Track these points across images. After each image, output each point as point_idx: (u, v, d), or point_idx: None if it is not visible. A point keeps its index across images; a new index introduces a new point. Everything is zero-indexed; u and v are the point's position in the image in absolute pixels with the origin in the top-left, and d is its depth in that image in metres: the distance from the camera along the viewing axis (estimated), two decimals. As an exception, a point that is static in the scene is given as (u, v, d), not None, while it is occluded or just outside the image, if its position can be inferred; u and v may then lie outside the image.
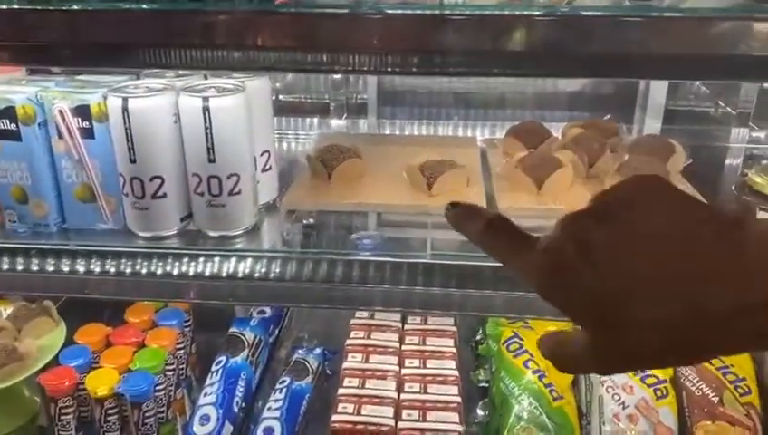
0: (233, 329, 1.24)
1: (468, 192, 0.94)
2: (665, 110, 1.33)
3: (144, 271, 0.84)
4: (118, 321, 1.18)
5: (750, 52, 0.66)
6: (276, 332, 1.32)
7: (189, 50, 0.71)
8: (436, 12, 0.69)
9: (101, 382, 1.02)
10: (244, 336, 1.22)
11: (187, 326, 1.21)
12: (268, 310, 1.30)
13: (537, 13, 0.67)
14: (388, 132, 1.37)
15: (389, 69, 0.80)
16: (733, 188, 0.88)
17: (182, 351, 1.18)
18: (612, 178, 0.92)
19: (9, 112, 0.79)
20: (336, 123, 1.40)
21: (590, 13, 0.67)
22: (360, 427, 0.98)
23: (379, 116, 1.41)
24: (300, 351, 1.24)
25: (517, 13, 0.67)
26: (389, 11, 0.69)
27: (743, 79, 1.06)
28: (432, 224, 0.91)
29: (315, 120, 1.41)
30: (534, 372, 1.06)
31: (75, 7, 0.70)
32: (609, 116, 1.15)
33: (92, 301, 0.93)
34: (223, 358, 1.17)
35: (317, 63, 0.73)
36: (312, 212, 0.94)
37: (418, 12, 0.69)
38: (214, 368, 1.16)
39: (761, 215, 0.83)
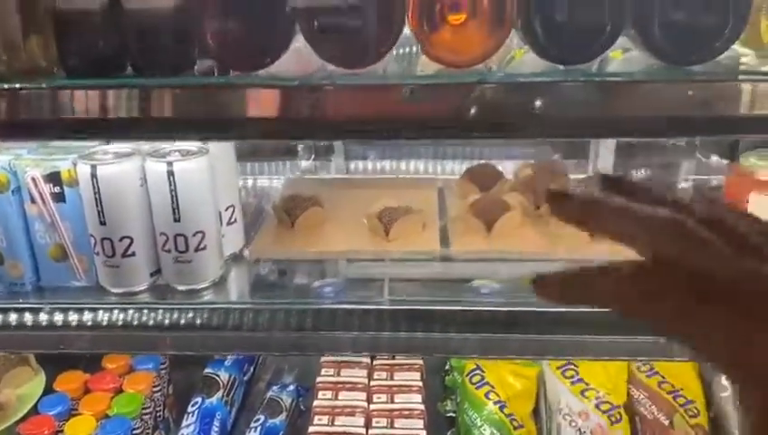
0: (208, 370, 1.28)
1: (424, 237, 1.00)
2: (617, 142, 1.41)
3: (119, 324, 0.89)
4: (96, 367, 1.22)
5: (674, 112, 0.73)
6: (251, 370, 1.36)
7: (156, 122, 0.77)
8: (383, 82, 0.76)
9: (79, 430, 1.06)
10: (218, 377, 1.26)
11: (163, 369, 1.25)
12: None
13: (474, 80, 0.74)
14: (355, 171, 1.42)
15: (343, 135, 0.86)
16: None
17: (159, 393, 1.22)
18: (557, 220, 0.98)
19: None
20: (304, 164, 1.46)
21: (529, 79, 0.74)
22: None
23: (346, 157, 1.46)
24: (274, 388, 1.28)
25: (458, 82, 0.74)
26: (341, 82, 0.75)
27: (671, 136, 1.13)
28: (390, 269, 0.97)
29: (286, 162, 1.46)
30: (495, 403, 1.11)
31: (43, 85, 0.76)
32: (557, 156, 1.22)
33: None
34: (198, 399, 1.21)
35: (275, 133, 0.80)
36: (278, 261, 1.00)
37: (368, 83, 0.75)
38: (190, 409, 1.20)
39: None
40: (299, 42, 0.78)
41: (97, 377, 1.18)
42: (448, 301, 0.90)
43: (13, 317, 0.90)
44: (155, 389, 1.20)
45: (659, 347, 0.94)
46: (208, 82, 0.76)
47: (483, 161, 1.21)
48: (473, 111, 0.74)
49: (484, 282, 0.92)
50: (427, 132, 0.82)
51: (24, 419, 1.10)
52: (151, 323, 0.90)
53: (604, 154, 1.38)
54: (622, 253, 0.37)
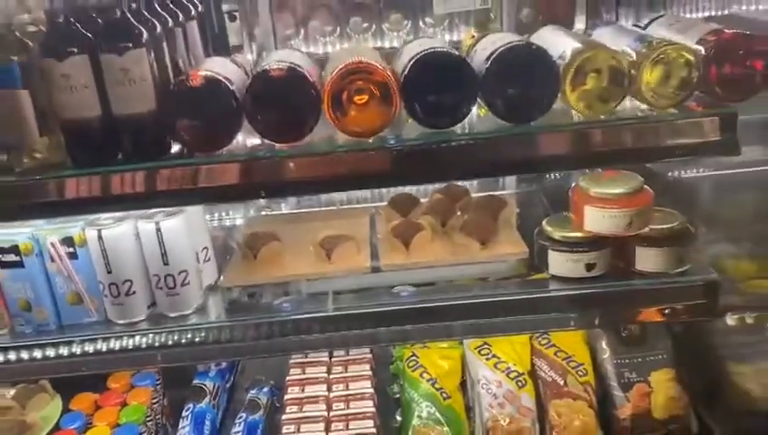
0: (196, 381, 1.55)
1: (358, 258, 1.29)
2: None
3: (126, 348, 1.16)
4: (102, 388, 1.47)
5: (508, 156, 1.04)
6: (232, 379, 1.63)
7: (145, 195, 1.04)
8: (312, 150, 1.04)
9: (96, 437, 1.32)
10: (205, 386, 1.53)
11: (158, 384, 1.51)
12: (224, 362, 1.62)
13: (379, 145, 1.04)
14: (309, 203, 1.69)
15: (284, 193, 1.16)
16: (535, 232, 1.26)
17: (157, 404, 1.48)
18: (458, 234, 1.29)
19: (14, 249, 1.11)
20: (262, 203, 1.73)
21: (416, 142, 1.03)
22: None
23: (297, 193, 1.73)
24: (252, 391, 1.55)
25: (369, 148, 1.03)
26: (281, 155, 1.04)
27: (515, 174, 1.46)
28: (333, 285, 1.25)
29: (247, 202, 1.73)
30: (428, 381, 1.41)
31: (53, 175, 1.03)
32: (461, 182, 1.52)
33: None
34: (190, 405, 1.48)
35: (234, 196, 1.08)
36: (245, 287, 1.28)
37: (299, 152, 1.04)
38: (184, 414, 1.47)
39: (551, 255, 1.20)
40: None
41: (105, 396, 1.44)
42: (377, 304, 1.19)
43: (42, 352, 1.16)
44: (153, 401, 1.46)
45: (553, 321, 1.25)
46: (181, 163, 1.04)
47: (402, 191, 1.51)
48: (385, 166, 1.04)
49: (403, 287, 1.21)
50: (350, 184, 1.12)
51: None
52: (149, 344, 1.18)
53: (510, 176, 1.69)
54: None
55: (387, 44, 1.64)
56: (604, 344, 1.45)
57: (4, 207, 1.04)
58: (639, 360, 1.41)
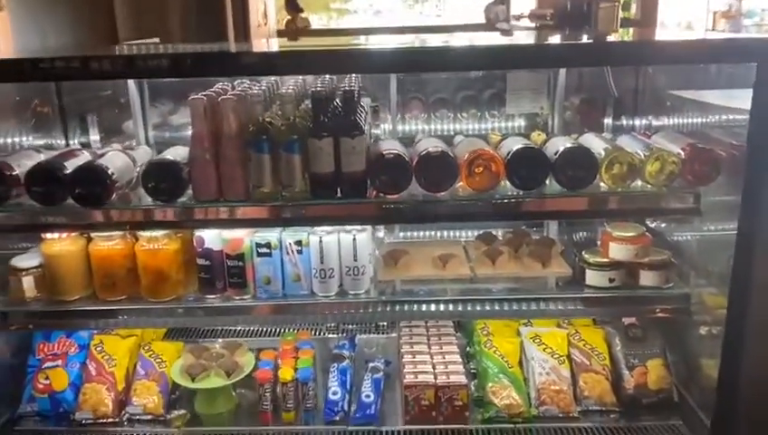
0: (335, 351, 2.26)
1: (462, 268, 2.03)
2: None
3: (323, 311, 1.91)
4: (276, 347, 2.20)
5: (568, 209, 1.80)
6: (354, 349, 2.34)
7: (349, 216, 1.81)
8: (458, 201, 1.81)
9: (287, 374, 2.04)
10: (344, 353, 2.24)
11: (314, 348, 2.23)
12: (347, 342, 2.33)
13: (488, 198, 1.80)
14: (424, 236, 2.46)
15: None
16: (576, 259, 1.99)
17: (314, 360, 2.19)
18: (527, 258, 2.02)
19: (268, 245, 1.88)
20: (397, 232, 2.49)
21: (512, 197, 1.80)
22: (420, 383, 2.01)
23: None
24: (372, 363, 2.26)
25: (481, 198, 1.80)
26: (433, 200, 1.81)
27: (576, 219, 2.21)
28: (446, 285, 2.00)
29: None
30: (498, 356, 2.12)
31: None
32: (524, 226, 2.27)
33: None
34: (335, 364, 2.19)
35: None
36: (391, 281, 2.02)
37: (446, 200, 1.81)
38: (331, 369, 2.18)
39: (588, 272, 1.94)
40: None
41: (282, 352, 2.17)
42: (477, 297, 1.94)
43: (274, 313, 1.91)
44: (313, 358, 2.18)
45: (583, 312, 1.99)
46: (374, 201, 1.81)
47: (483, 231, 2.26)
48: (492, 209, 1.80)
49: (492, 285, 1.95)
50: (470, 218, 1.89)
51: (250, 374, 2.08)
52: (339, 310, 1.93)
53: (553, 223, 2.44)
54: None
55: (462, 127, 2.47)
56: (617, 340, 2.16)
57: (274, 218, 1.80)
58: (640, 352, 2.11)
